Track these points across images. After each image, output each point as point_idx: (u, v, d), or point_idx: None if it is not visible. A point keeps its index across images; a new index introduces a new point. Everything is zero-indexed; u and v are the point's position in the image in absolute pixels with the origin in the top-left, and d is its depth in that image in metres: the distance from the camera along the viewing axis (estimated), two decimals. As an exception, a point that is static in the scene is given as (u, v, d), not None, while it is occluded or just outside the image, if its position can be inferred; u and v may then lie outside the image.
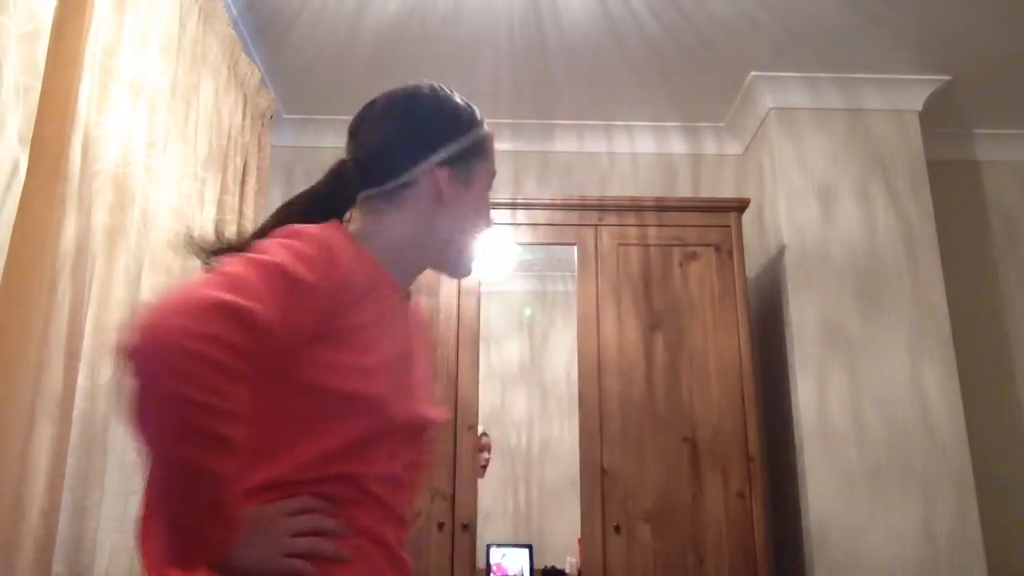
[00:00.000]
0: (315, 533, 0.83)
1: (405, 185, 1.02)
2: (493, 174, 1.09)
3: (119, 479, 1.69)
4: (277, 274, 0.82)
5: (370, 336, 0.92)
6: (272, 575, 0.81)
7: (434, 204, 1.02)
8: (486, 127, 1.08)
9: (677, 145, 3.18)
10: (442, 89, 1.07)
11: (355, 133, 1.10)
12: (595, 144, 3.18)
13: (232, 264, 0.84)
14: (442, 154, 1.02)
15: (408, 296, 1.07)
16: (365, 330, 0.91)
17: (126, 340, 0.71)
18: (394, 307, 1.00)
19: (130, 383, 0.71)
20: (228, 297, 0.76)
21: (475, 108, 1.08)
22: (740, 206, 2.66)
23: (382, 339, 0.94)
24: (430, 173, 1.02)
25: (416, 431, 0.99)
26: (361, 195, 1.07)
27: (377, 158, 1.05)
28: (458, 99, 1.08)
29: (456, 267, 1.07)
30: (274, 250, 0.86)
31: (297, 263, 0.84)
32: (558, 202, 2.66)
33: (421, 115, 1.04)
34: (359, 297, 0.92)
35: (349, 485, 0.88)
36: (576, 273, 2.59)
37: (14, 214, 1.28)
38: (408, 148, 1.03)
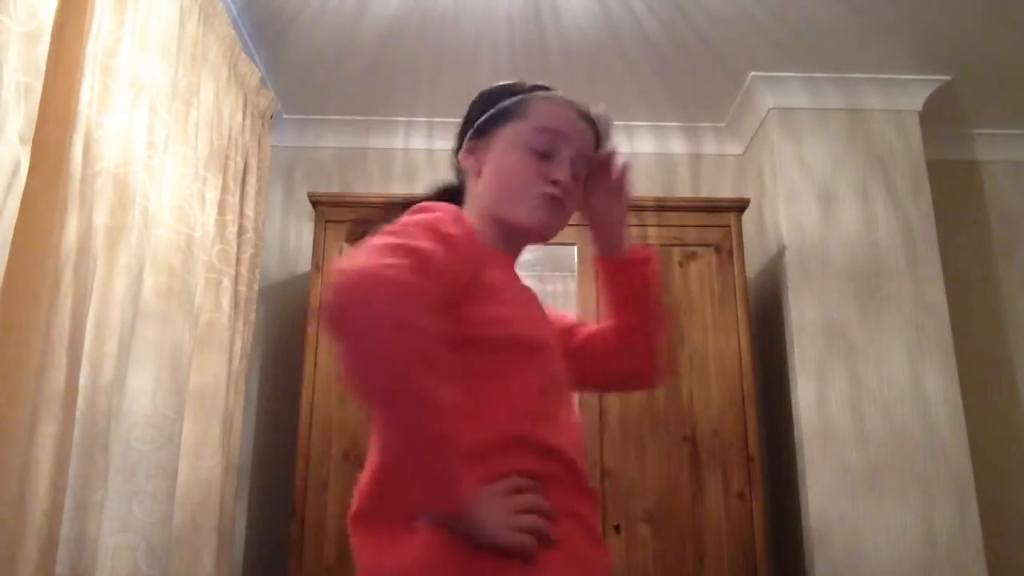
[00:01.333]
0: (537, 512, 0.86)
1: (461, 175, 1.15)
2: (536, 128, 1.08)
3: (122, 479, 1.69)
4: (429, 228, 0.90)
5: (507, 293, 1.02)
6: (500, 545, 0.82)
7: (476, 181, 1.11)
8: (534, 93, 1.13)
9: (677, 145, 3.18)
10: (507, 83, 1.16)
11: None
12: (595, 144, 3.18)
13: (388, 228, 0.90)
14: (469, 135, 1.13)
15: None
16: (502, 287, 1.01)
17: (329, 302, 0.78)
18: (512, 275, 1.09)
19: (344, 339, 0.77)
20: (400, 240, 0.85)
21: (519, 83, 1.15)
22: (740, 206, 2.67)
23: (518, 297, 1.05)
24: (465, 157, 1.13)
25: (563, 386, 1.05)
26: None
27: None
28: (506, 83, 1.16)
29: (521, 225, 1.07)
30: (414, 217, 0.95)
31: (440, 223, 0.92)
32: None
33: (467, 111, 1.17)
34: (488, 258, 1.01)
35: (545, 457, 0.92)
36: (576, 273, 2.59)
37: (15, 214, 1.28)
38: (456, 144, 1.16)
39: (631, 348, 1.19)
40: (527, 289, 1.12)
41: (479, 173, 1.11)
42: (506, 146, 1.09)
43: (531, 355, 0.98)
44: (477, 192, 1.11)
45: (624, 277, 1.18)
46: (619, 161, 1.15)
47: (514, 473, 0.88)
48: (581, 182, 1.13)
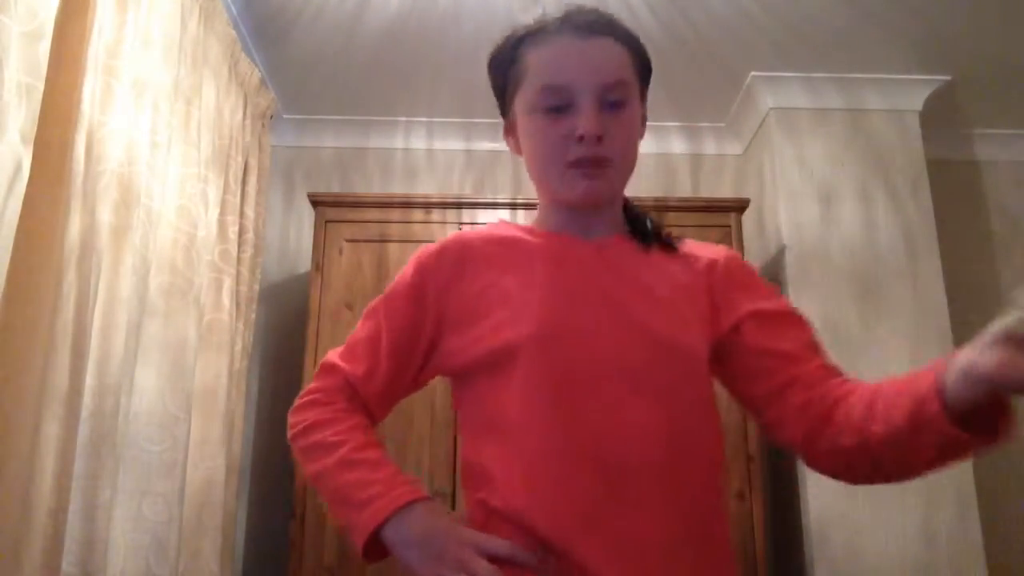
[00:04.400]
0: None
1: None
2: (538, 91, 0.94)
3: (133, 479, 1.70)
4: (386, 295, 1.05)
5: (495, 293, 0.95)
6: None
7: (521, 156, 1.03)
8: (517, 44, 0.99)
9: (677, 145, 3.18)
10: (503, 38, 1.03)
11: None
12: (595, 144, 3.18)
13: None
14: (504, 113, 1.04)
15: (606, 240, 1.00)
16: (490, 290, 0.96)
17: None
18: (545, 256, 0.97)
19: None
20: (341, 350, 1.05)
21: (512, 35, 1.01)
22: (740, 206, 2.67)
23: (528, 286, 0.94)
24: (506, 139, 1.05)
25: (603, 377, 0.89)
26: None
27: None
28: (502, 38, 1.03)
29: (566, 201, 0.98)
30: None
31: (400, 280, 1.04)
32: (558, 202, 2.66)
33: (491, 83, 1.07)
34: (486, 263, 0.98)
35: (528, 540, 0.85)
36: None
37: (18, 214, 1.28)
38: None
39: (869, 454, 0.83)
40: (571, 266, 0.96)
41: (521, 152, 1.02)
42: (523, 118, 0.98)
43: (513, 364, 0.88)
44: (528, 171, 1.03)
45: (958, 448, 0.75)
46: None
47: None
48: (634, 90, 0.96)
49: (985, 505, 2.50)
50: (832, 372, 0.93)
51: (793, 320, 0.99)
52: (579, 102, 0.92)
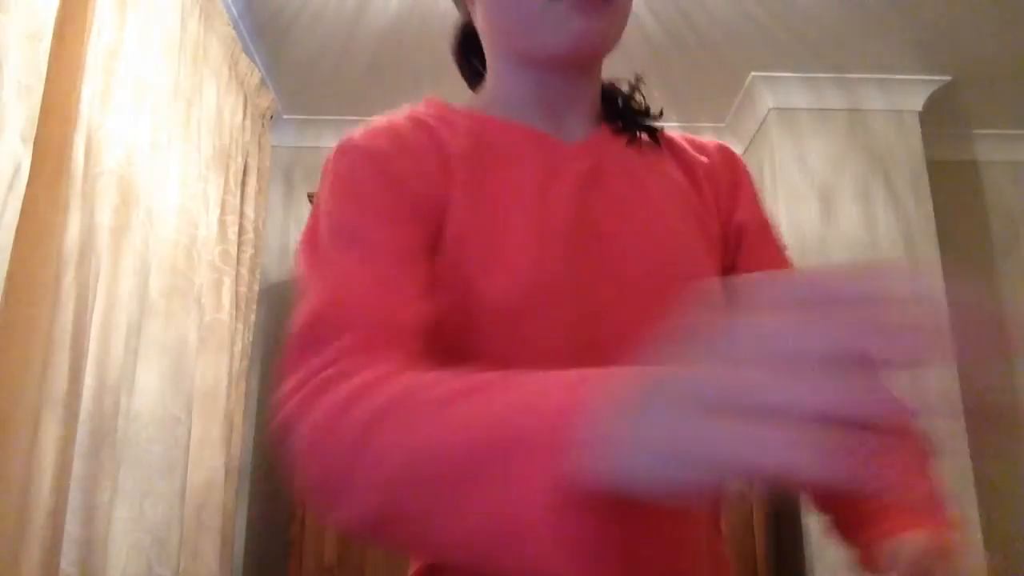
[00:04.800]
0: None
1: (465, 14, 0.79)
2: None
3: (134, 479, 1.70)
4: (330, 217, 0.71)
5: (485, 206, 0.67)
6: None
7: (475, 16, 0.76)
8: None
9: (677, 145, 3.18)
10: None
11: None
12: (595, 144, 3.18)
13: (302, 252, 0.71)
14: None
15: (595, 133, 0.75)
16: (479, 201, 0.68)
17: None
18: (522, 165, 0.70)
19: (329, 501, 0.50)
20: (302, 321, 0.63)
21: None
22: (740, 206, 2.66)
23: (519, 201, 0.68)
24: None
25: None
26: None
27: None
28: None
29: (549, 54, 0.69)
30: (317, 211, 0.74)
31: (336, 188, 0.73)
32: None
33: None
34: (465, 163, 0.70)
35: None
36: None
37: (17, 214, 1.28)
38: None
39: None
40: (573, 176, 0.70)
41: (468, 11, 0.76)
42: None
43: (493, 322, 0.62)
44: (482, 31, 0.75)
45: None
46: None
47: None
48: None
49: (985, 504, 2.50)
50: None
51: (775, 239, 0.82)
52: None
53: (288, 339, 0.58)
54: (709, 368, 0.33)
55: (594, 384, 0.37)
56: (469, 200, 0.66)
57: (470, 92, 0.82)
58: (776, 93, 2.84)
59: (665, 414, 0.33)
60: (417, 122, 0.73)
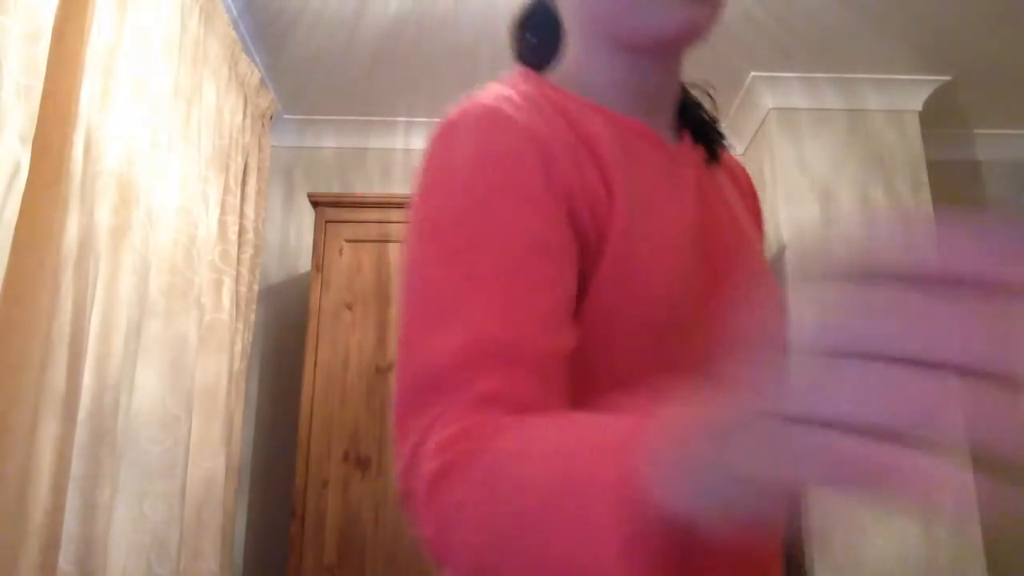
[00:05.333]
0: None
1: None
2: None
3: (134, 479, 1.70)
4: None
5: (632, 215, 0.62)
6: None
7: None
8: None
9: (677, 145, 3.18)
10: None
11: None
12: (595, 144, 3.18)
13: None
14: None
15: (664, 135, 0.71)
16: (626, 206, 0.61)
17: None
18: (641, 163, 0.65)
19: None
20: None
21: None
22: (740, 206, 2.66)
23: (654, 205, 0.64)
24: None
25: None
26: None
27: None
28: None
29: (649, 31, 0.64)
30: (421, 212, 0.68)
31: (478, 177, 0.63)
32: (558, 202, 2.66)
33: None
34: (604, 153, 0.64)
35: None
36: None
37: (16, 214, 1.28)
38: None
39: None
40: (674, 177, 0.67)
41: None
42: None
43: (644, 330, 0.57)
44: (570, 9, 0.69)
45: None
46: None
47: None
48: None
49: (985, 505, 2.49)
50: None
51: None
52: None
53: (423, 367, 0.51)
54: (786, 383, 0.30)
55: (657, 422, 0.37)
56: (628, 203, 0.60)
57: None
58: (776, 93, 2.84)
59: (740, 437, 0.31)
60: (554, 102, 0.63)
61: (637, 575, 0.35)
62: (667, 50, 0.67)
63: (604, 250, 0.57)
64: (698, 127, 0.74)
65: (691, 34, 0.64)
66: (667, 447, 0.34)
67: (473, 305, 0.50)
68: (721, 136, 0.75)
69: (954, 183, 3.10)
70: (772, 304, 0.56)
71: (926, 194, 2.75)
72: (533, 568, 0.41)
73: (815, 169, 2.79)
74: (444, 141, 0.61)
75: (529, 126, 0.58)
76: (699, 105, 0.77)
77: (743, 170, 0.82)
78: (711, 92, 0.78)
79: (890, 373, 0.27)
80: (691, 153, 0.71)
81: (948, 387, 0.27)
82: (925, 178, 2.77)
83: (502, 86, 0.64)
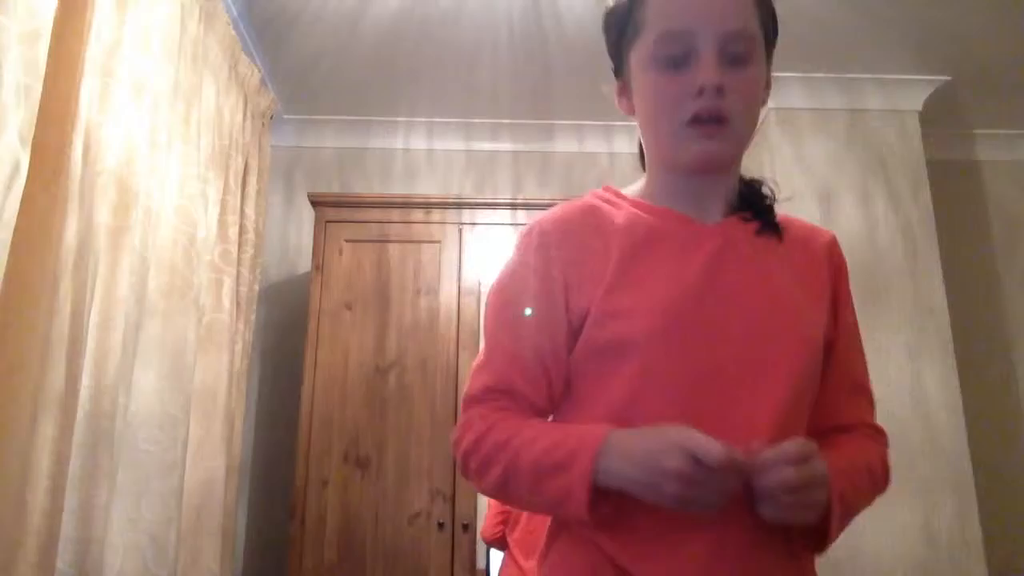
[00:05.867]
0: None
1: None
2: (656, 38, 0.88)
3: (131, 479, 1.70)
4: (497, 297, 1.02)
5: (630, 277, 0.89)
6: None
7: (634, 118, 0.96)
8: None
9: (677, 145, 3.18)
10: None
11: None
12: (595, 144, 3.18)
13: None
14: (613, 72, 0.99)
15: (721, 221, 0.93)
16: (624, 271, 0.90)
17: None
18: (659, 243, 0.90)
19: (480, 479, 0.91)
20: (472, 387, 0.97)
21: None
22: (740, 206, 2.66)
23: (653, 273, 0.89)
24: (618, 101, 0.98)
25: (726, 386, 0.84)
26: None
27: None
28: (613, 1, 0.97)
29: (679, 166, 0.91)
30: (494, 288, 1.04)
31: (502, 280, 1.01)
32: (558, 202, 2.65)
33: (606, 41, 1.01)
34: (601, 245, 0.92)
35: None
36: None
37: (16, 214, 1.28)
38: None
39: None
40: (691, 251, 0.89)
41: (630, 112, 0.95)
42: (639, 74, 0.91)
43: (629, 356, 0.83)
44: (645, 144, 0.95)
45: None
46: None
47: None
48: (759, 46, 0.88)
49: (985, 505, 2.50)
50: (854, 425, 0.96)
51: (857, 341, 1.00)
52: (700, 50, 0.85)
53: (472, 387, 0.92)
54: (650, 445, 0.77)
55: (603, 431, 0.81)
56: (622, 277, 0.88)
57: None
58: (776, 93, 2.82)
59: (634, 468, 0.78)
60: (591, 208, 0.95)
61: (587, 502, 0.78)
62: (695, 172, 0.91)
63: (599, 285, 0.88)
64: (755, 209, 0.96)
65: (706, 164, 0.89)
66: (603, 449, 0.79)
67: (492, 363, 0.92)
68: (768, 216, 0.96)
69: (954, 183, 3.10)
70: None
71: (926, 194, 2.75)
72: (534, 495, 0.84)
73: (815, 169, 2.79)
74: (513, 249, 0.97)
75: (555, 236, 0.92)
76: (759, 193, 0.99)
77: (826, 244, 1.01)
78: (770, 184, 1.01)
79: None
80: (733, 228, 0.93)
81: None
82: (925, 178, 2.77)
83: (585, 198, 0.98)
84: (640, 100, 0.92)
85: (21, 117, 1.30)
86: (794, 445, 0.76)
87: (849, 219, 2.73)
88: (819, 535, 0.83)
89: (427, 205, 2.65)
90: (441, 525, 2.35)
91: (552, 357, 0.89)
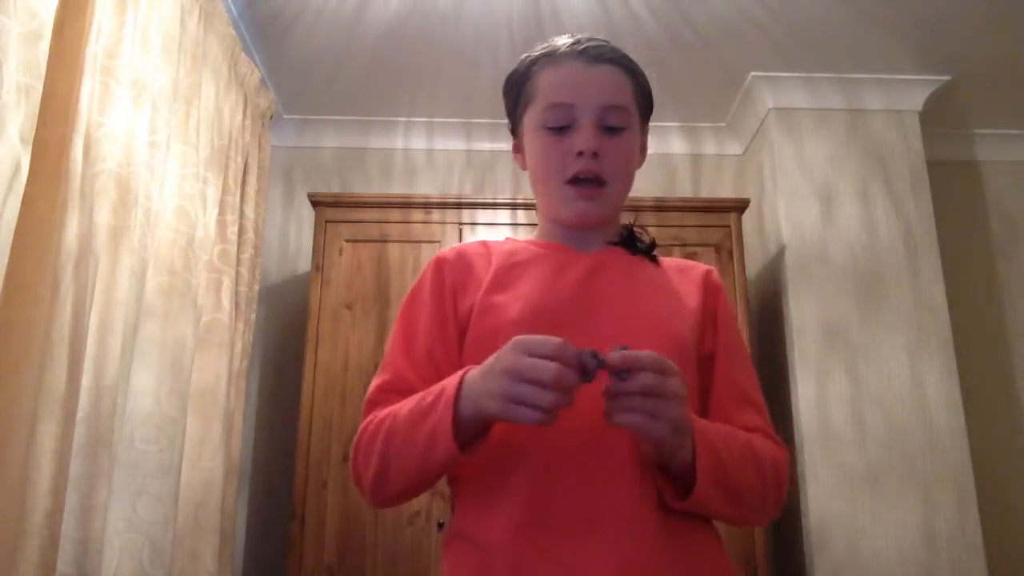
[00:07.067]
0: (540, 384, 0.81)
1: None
2: (545, 107, 1.01)
3: (127, 480, 1.70)
4: (400, 321, 1.12)
5: (503, 286, 1.02)
6: (492, 416, 0.82)
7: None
8: (534, 67, 1.05)
9: (677, 145, 3.18)
10: (520, 59, 1.09)
11: None
12: (595, 144, 3.18)
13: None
14: (515, 132, 1.11)
15: (603, 250, 1.06)
16: (501, 284, 1.02)
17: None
18: (534, 264, 1.03)
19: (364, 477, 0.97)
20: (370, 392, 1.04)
21: (527, 56, 1.07)
22: (740, 206, 2.66)
23: (520, 281, 1.02)
24: (515, 156, 1.12)
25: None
26: None
27: None
28: (520, 59, 1.08)
29: (562, 221, 1.05)
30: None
31: (407, 304, 1.11)
32: (558, 202, 2.66)
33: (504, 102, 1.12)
34: (483, 270, 1.04)
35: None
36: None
37: (16, 214, 1.28)
38: None
39: None
40: (567, 273, 1.01)
41: (526, 168, 1.08)
42: (530, 135, 1.05)
43: (502, 342, 0.85)
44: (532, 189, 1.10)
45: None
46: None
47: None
48: (634, 118, 1.03)
49: (985, 505, 2.50)
50: (749, 430, 0.98)
51: (743, 358, 1.05)
52: (580, 121, 0.99)
53: (370, 390, 1.01)
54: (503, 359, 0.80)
55: (465, 371, 0.87)
56: (499, 281, 1.01)
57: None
58: (776, 93, 2.84)
59: (482, 380, 0.82)
60: (484, 243, 1.10)
61: (451, 430, 0.83)
62: (575, 228, 1.05)
63: (480, 288, 1.01)
64: (630, 245, 1.10)
65: (584, 222, 1.03)
66: (467, 377, 0.85)
67: (388, 366, 1.01)
68: (647, 250, 1.10)
69: (954, 183, 3.10)
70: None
71: (926, 194, 2.75)
72: (404, 456, 0.89)
73: (815, 169, 2.79)
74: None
75: (450, 258, 1.06)
76: (636, 236, 1.11)
77: (702, 271, 1.10)
78: (641, 227, 1.14)
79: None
80: (609, 253, 1.06)
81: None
82: (925, 178, 2.77)
83: (488, 241, 1.12)
84: (531, 158, 1.05)
85: (21, 117, 1.30)
86: (653, 354, 0.79)
87: (849, 219, 2.73)
88: (685, 489, 0.85)
89: (427, 205, 2.65)
90: (441, 525, 2.35)
91: (443, 352, 0.99)
